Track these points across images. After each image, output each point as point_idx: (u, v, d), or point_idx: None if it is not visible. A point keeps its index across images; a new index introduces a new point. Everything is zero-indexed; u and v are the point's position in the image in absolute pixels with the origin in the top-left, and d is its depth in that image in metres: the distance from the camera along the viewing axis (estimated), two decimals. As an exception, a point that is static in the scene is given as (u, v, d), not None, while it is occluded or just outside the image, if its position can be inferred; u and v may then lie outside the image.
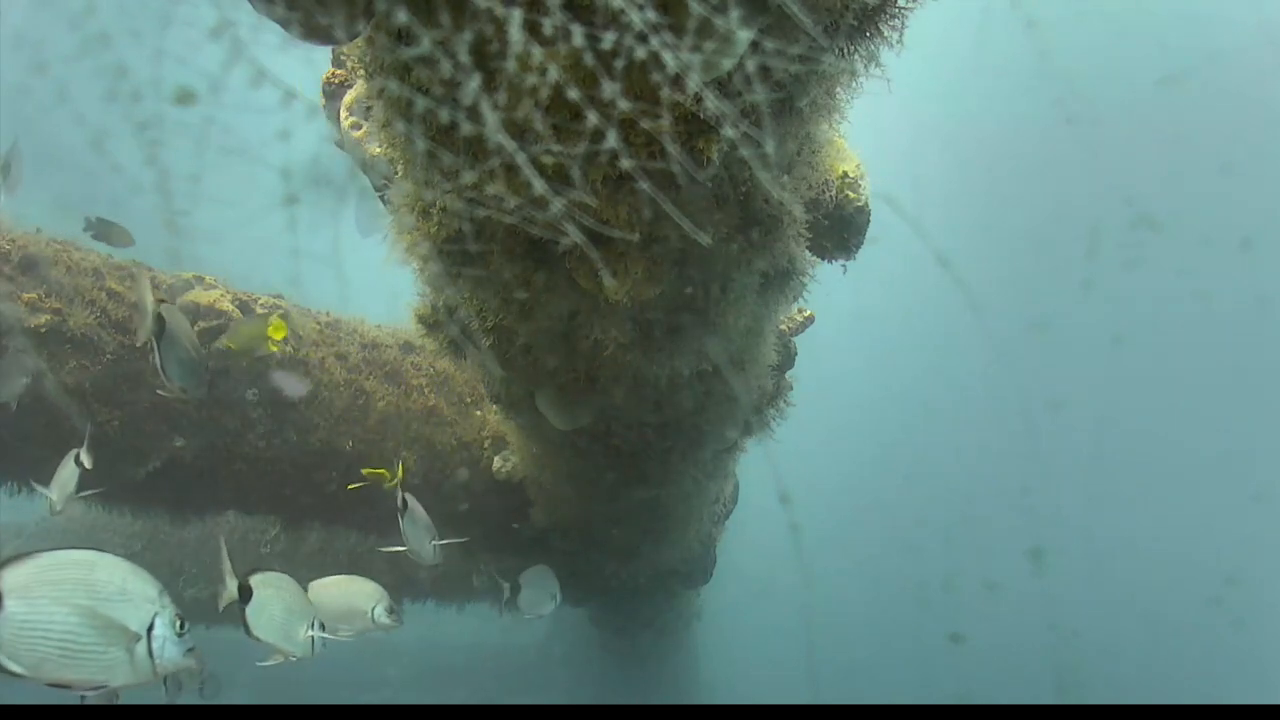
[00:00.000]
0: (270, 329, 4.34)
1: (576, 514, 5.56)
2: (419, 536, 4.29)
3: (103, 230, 3.70)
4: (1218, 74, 17.68)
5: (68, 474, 3.80)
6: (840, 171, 2.96)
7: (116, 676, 2.11)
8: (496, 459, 5.60)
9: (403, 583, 7.90)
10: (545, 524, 5.85)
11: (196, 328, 4.68)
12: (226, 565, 3.20)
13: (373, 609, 4.04)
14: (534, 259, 2.51)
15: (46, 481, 3.86)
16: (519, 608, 5.27)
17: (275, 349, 4.46)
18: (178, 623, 2.17)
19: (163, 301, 3.42)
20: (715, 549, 7.95)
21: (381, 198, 3.16)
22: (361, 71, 2.05)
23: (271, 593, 3.26)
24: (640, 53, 1.46)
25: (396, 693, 10.88)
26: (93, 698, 2.15)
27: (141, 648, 2.12)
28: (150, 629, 2.13)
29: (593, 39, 1.43)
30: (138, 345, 3.83)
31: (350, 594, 4.05)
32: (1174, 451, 21.71)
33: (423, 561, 4.38)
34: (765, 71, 1.73)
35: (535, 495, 5.64)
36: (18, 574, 1.97)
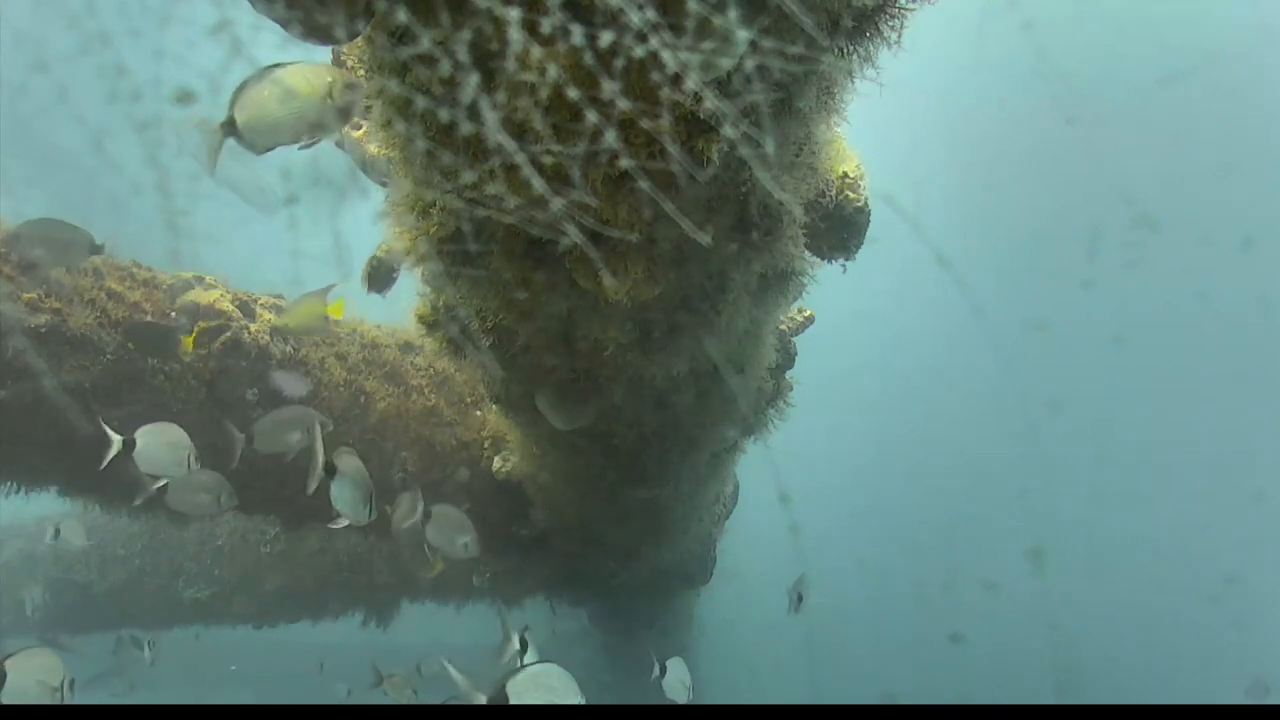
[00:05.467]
0: (330, 309, 4.26)
1: (576, 514, 5.56)
2: (353, 500, 4.12)
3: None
4: (1218, 74, 17.66)
5: None
6: (840, 171, 2.96)
7: None
8: (496, 459, 5.60)
9: (401, 583, 7.90)
10: (545, 524, 5.85)
11: (197, 328, 4.67)
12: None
13: None
14: (534, 259, 2.51)
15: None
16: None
17: (336, 326, 4.43)
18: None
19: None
20: (715, 549, 7.95)
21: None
22: (361, 71, 2.05)
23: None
24: (640, 52, 1.46)
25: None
26: None
27: None
28: None
29: (592, 38, 1.43)
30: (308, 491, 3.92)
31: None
32: (1174, 451, 21.68)
33: (357, 522, 4.11)
34: (764, 71, 1.73)
35: (535, 495, 5.64)
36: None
